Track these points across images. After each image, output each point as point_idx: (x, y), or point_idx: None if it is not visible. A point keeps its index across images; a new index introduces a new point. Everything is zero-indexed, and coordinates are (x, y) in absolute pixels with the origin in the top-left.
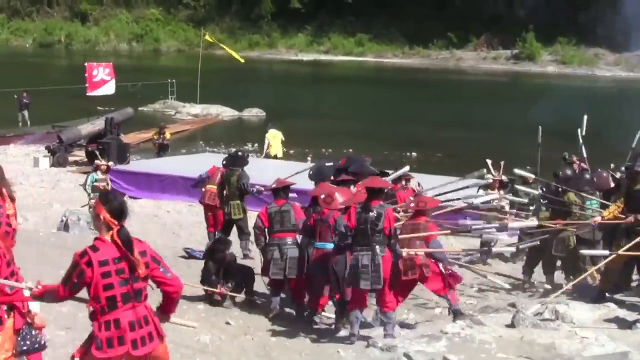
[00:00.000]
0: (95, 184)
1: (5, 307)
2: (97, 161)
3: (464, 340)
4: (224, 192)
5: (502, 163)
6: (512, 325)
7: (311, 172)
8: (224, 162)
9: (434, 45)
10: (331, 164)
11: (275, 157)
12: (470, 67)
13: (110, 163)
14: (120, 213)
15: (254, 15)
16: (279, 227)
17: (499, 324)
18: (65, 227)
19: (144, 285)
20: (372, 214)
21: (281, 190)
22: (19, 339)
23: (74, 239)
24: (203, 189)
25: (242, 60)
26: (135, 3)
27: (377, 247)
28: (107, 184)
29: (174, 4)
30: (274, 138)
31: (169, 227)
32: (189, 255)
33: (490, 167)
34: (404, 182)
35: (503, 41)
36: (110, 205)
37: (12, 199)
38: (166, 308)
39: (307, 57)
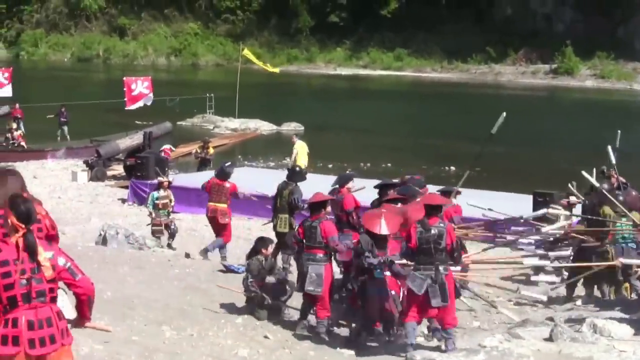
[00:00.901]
0: (156, 201)
1: None
2: (159, 178)
3: (502, 354)
4: (276, 204)
5: (574, 184)
6: (550, 339)
7: (335, 180)
8: (216, 173)
9: (472, 59)
10: (353, 172)
11: None
12: (509, 82)
13: (171, 178)
14: (27, 218)
15: (293, 29)
16: (308, 242)
17: (537, 337)
18: (103, 241)
19: (49, 287)
20: (434, 232)
21: (314, 205)
22: None
23: (112, 253)
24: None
25: (276, 70)
26: (173, 17)
27: (441, 266)
28: (170, 201)
29: (212, 19)
30: (302, 148)
31: (207, 241)
32: (227, 269)
33: (574, 189)
34: (453, 200)
35: (542, 55)
36: (17, 210)
37: (39, 202)
38: (79, 311)
39: (345, 71)
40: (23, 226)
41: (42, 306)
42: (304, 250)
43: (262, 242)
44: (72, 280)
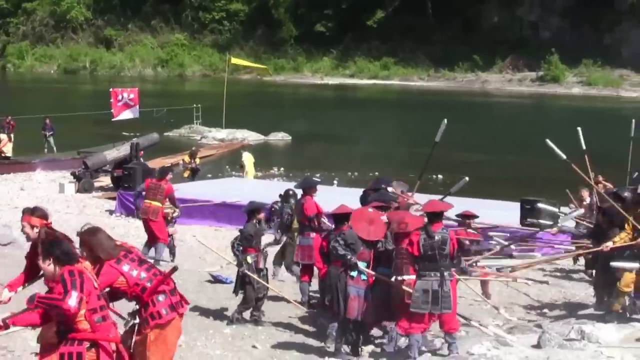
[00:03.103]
0: None
1: (87, 344)
2: None
3: None
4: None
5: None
6: (538, 346)
7: (299, 182)
8: (157, 172)
9: (459, 67)
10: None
11: None
12: (496, 89)
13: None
14: None
15: (277, 39)
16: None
17: (525, 344)
18: None
19: None
20: (438, 239)
21: (339, 217)
22: None
23: None
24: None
25: (268, 70)
26: (160, 28)
27: (446, 272)
28: (173, 211)
29: (199, 30)
30: (249, 161)
31: (195, 251)
32: (215, 279)
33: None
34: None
35: (528, 63)
36: None
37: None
38: None
39: (332, 81)
40: None
41: None
42: (330, 264)
43: (255, 206)
44: None
